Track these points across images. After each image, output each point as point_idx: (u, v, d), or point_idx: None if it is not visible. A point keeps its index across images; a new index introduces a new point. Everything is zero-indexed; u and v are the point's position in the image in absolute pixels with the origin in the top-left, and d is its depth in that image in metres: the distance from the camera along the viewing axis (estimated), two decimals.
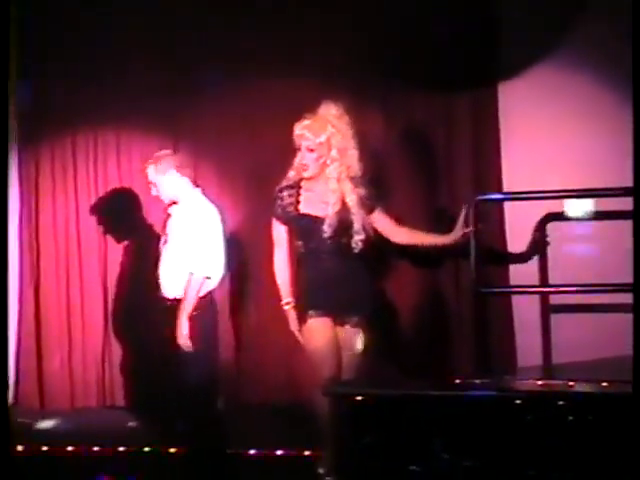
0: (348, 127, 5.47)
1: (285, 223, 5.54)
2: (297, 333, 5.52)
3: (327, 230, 5.41)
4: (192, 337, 5.60)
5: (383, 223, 5.61)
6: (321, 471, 5.41)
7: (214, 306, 5.83)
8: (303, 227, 5.48)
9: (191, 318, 5.63)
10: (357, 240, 5.45)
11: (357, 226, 5.45)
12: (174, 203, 5.87)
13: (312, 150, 5.43)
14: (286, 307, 5.53)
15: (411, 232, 5.70)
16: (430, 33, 6.93)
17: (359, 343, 5.46)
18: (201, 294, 5.68)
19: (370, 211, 5.53)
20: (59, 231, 7.57)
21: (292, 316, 5.52)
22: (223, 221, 5.84)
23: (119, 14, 7.36)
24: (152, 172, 5.84)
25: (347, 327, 5.46)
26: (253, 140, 7.15)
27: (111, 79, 7.38)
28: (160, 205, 6.14)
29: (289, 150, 5.51)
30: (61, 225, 7.57)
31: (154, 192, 5.89)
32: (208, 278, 5.68)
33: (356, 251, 5.47)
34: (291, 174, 5.53)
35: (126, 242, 7.49)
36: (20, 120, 7.59)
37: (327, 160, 5.43)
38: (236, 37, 7.22)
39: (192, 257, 5.65)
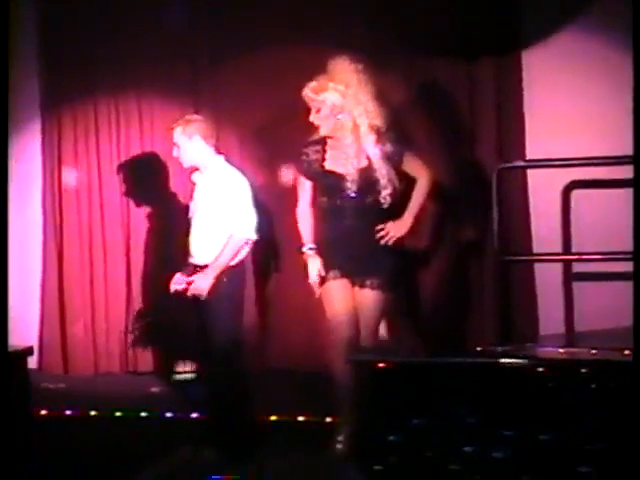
0: (356, 77, 5.41)
1: (310, 179, 5.53)
2: (315, 285, 5.48)
3: (351, 187, 5.40)
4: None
5: (414, 165, 5.57)
6: (339, 438, 5.42)
7: (244, 273, 5.81)
8: (328, 184, 5.47)
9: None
10: (385, 195, 5.43)
11: (383, 181, 5.41)
12: (195, 170, 5.84)
13: (319, 110, 5.43)
14: (309, 252, 5.48)
15: (423, 185, 5.62)
16: (453, 1, 6.90)
17: (378, 305, 5.44)
18: (237, 258, 5.68)
19: (397, 165, 5.49)
20: (82, 198, 7.59)
21: (314, 264, 5.46)
22: (251, 186, 5.81)
23: None
24: (178, 134, 5.76)
25: (366, 289, 5.45)
26: (273, 102, 7.11)
27: (132, 45, 7.37)
28: (183, 170, 6.14)
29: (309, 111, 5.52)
30: (84, 192, 7.59)
31: (175, 153, 5.85)
32: (248, 241, 5.67)
33: (385, 206, 5.44)
34: (317, 132, 5.53)
35: (149, 208, 7.49)
36: (43, 87, 7.61)
37: (338, 115, 5.41)
38: (253, 2, 7.21)
39: (230, 220, 5.60)
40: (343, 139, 5.43)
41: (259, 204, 5.79)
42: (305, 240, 5.54)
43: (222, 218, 5.59)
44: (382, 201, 5.42)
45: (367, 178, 5.40)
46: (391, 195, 5.43)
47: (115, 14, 7.40)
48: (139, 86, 7.50)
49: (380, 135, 5.44)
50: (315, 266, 5.48)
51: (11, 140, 7.37)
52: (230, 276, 5.62)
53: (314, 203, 5.59)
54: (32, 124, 7.65)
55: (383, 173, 5.40)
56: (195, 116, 6.01)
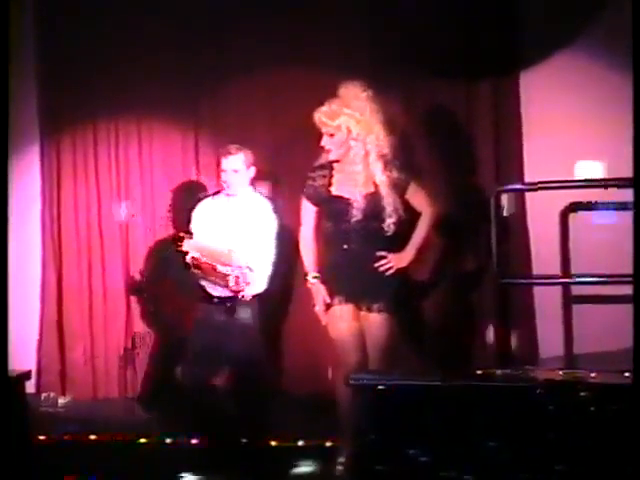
0: (368, 104, 5.45)
1: (316, 204, 5.54)
2: (321, 313, 5.49)
3: (357, 213, 5.41)
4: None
5: (418, 197, 5.60)
6: (341, 460, 5.41)
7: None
8: (334, 209, 5.48)
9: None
10: (389, 223, 5.45)
11: (389, 209, 5.44)
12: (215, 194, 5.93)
13: (332, 135, 5.44)
14: (313, 280, 5.48)
15: (426, 219, 5.66)
16: (452, 20, 6.91)
17: (385, 329, 5.45)
18: (255, 292, 5.77)
19: (403, 193, 5.51)
20: (81, 221, 7.58)
21: (319, 292, 5.47)
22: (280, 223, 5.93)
23: (140, 1, 7.37)
24: (240, 161, 5.87)
25: (373, 313, 5.45)
26: (276, 126, 7.12)
27: (132, 67, 7.38)
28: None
29: (313, 134, 5.52)
30: (83, 215, 7.58)
31: (230, 178, 5.90)
32: (249, 269, 5.72)
33: (389, 234, 5.46)
34: (324, 156, 5.54)
35: (148, 231, 7.49)
36: (42, 109, 7.61)
37: (350, 142, 5.43)
38: (257, 22, 7.21)
39: (249, 248, 5.74)
40: (352, 165, 5.47)
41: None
42: (309, 268, 5.55)
43: (248, 244, 5.66)
44: (386, 229, 5.45)
45: (373, 205, 5.43)
46: (395, 224, 5.45)
47: (115, 37, 7.41)
48: (139, 109, 7.50)
49: (387, 163, 5.47)
50: (320, 294, 5.49)
51: (10, 163, 7.40)
52: (256, 304, 5.70)
53: (318, 229, 5.59)
54: (31, 147, 7.65)
55: (389, 201, 5.44)
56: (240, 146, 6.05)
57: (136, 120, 7.52)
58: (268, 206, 5.95)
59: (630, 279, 5.86)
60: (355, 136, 5.43)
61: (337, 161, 5.51)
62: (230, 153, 5.89)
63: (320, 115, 5.47)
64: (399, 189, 5.49)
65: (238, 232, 5.82)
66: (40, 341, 7.62)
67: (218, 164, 6.03)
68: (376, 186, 5.45)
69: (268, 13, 7.16)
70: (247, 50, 7.21)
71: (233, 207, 5.91)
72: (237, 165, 5.87)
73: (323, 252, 5.57)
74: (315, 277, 5.51)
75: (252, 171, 5.92)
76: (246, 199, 5.93)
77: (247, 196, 5.95)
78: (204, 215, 6.02)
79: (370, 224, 5.45)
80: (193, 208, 6.17)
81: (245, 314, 5.79)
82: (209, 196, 6.27)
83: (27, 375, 5.27)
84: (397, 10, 6.96)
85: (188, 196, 7.04)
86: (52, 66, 7.57)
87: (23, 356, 7.38)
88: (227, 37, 7.29)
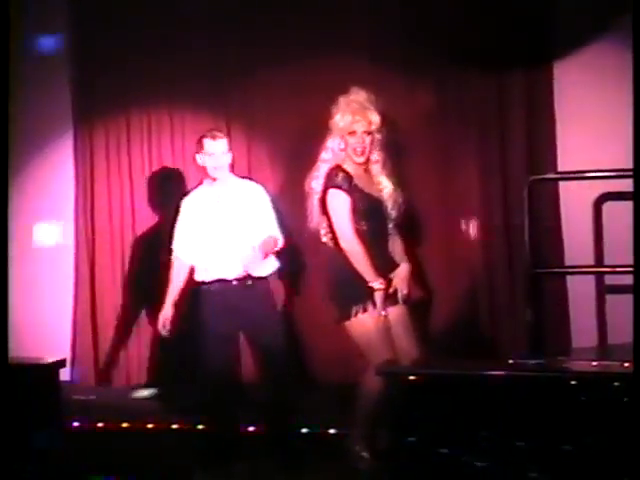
0: (378, 109, 5.45)
1: (349, 195, 5.39)
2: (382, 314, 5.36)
3: (379, 212, 5.39)
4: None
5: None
6: (357, 448, 5.41)
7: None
8: (364, 207, 5.39)
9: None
10: (393, 219, 5.44)
11: (393, 208, 5.43)
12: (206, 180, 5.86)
13: (369, 133, 5.39)
14: (378, 287, 5.32)
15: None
16: (485, 11, 6.89)
17: (408, 320, 5.42)
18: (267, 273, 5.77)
19: (404, 194, 5.51)
20: (114, 211, 7.63)
21: (380, 298, 5.33)
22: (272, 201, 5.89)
23: None
24: (221, 146, 5.75)
25: (397, 307, 5.41)
26: (304, 119, 7.12)
27: (164, 58, 7.42)
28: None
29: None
30: (116, 205, 7.63)
31: (211, 162, 5.75)
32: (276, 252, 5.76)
33: (390, 233, 5.45)
34: (325, 156, 5.48)
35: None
36: (75, 101, 7.66)
37: (374, 142, 5.41)
38: (285, 17, 7.23)
39: (262, 226, 5.72)
40: (364, 166, 5.45)
41: (284, 218, 5.87)
42: (368, 276, 5.32)
43: (251, 228, 5.64)
44: (389, 226, 5.43)
45: (390, 202, 5.41)
46: (396, 220, 5.44)
47: (147, 27, 7.46)
48: (170, 98, 7.54)
49: (388, 162, 5.47)
50: (381, 300, 5.33)
51: (44, 154, 7.48)
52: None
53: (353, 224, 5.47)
54: (65, 138, 7.70)
55: (395, 202, 5.42)
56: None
57: (168, 109, 7.55)
58: (258, 189, 5.84)
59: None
60: (379, 137, 5.42)
61: (363, 163, 5.46)
62: (218, 136, 5.80)
63: (357, 115, 5.41)
64: (401, 189, 5.49)
65: (236, 216, 5.74)
66: (74, 330, 7.68)
67: (198, 151, 5.82)
68: (390, 186, 5.45)
69: (297, 10, 7.19)
70: (277, 40, 7.23)
71: (225, 193, 5.78)
72: (215, 149, 5.72)
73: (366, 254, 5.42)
74: (382, 283, 5.34)
75: (229, 156, 5.78)
76: (234, 184, 5.82)
77: (233, 181, 5.82)
78: (196, 208, 5.86)
79: (382, 221, 5.43)
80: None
81: (264, 294, 5.76)
82: (190, 192, 6.05)
83: (62, 363, 5.30)
84: (429, 1, 6.96)
85: None
86: (85, 58, 7.63)
87: (58, 345, 7.46)
88: (257, 27, 7.30)
